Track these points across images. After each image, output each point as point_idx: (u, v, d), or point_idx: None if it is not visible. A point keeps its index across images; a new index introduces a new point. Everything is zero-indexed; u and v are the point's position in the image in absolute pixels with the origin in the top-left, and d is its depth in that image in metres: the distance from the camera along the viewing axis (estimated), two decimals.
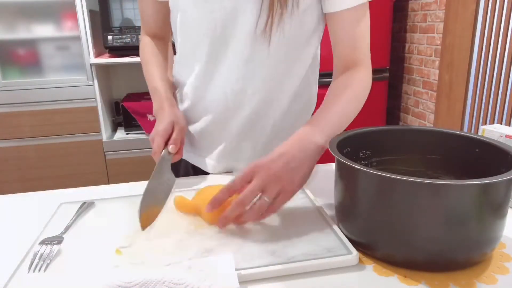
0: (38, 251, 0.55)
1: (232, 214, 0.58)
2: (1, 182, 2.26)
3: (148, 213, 0.63)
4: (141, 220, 0.61)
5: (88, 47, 2.16)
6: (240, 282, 0.48)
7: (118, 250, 0.56)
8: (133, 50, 2.25)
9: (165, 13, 0.82)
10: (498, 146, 0.57)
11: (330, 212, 0.65)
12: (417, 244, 0.50)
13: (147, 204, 0.63)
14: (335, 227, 0.59)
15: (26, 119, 2.20)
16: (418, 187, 0.47)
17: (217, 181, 0.64)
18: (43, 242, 0.58)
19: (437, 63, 2.49)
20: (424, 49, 2.61)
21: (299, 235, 0.58)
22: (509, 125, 1.77)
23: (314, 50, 0.80)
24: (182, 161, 0.88)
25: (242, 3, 0.70)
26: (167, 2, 0.79)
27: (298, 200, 0.70)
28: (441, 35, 2.43)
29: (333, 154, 0.56)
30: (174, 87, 0.89)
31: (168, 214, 0.65)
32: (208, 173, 0.88)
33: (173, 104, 0.79)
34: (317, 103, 0.86)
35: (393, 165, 0.67)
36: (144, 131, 2.36)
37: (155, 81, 0.82)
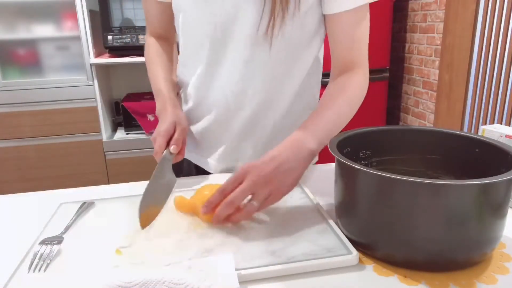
0: (38, 251, 0.55)
1: (222, 213, 0.59)
2: (1, 182, 2.26)
3: (147, 213, 0.63)
4: (140, 220, 0.61)
5: (88, 47, 2.16)
6: (240, 282, 0.48)
7: (118, 250, 0.56)
8: (133, 50, 2.25)
9: (169, 14, 0.82)
10: (498, 146, 0.57)
11: (330, 212, 0.65)
12: (417, 244, 0.50)
13: (147, 204, 0.63)
14: (335, 227, 0.59)
15: (26, 119, 2.20)
16: (418, 187, 0.47)
17: (218, 180, 0.64)
18: (43, 242, 0.58)
19: (437, 63, 2.49)
20: (424, 49, 2.61)
21: (299, 235, 0.58)
22: (509, 125, 1.77)
23: (315, 52, 0.80)
24: (185, 160, 0.89)
25: (242, 5, 0.70)
26: (171, 3, 0.79)
27: (298, 200, 0.70)
28: (441, 35, 2.43)
29: (333, 154, 0.56)
30: (178, 87, 0.89)
31: (168, 214, 0.65)
32: (210, 173, 0.88)
33: (175, 105, 0.79)
34: None
35: (393, 165, 0.67)
36: (144, 131, 2.36)
37: (158, 81, 0.83)
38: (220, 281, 0.47)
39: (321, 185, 0.77)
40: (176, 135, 0.73)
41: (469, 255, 0.50)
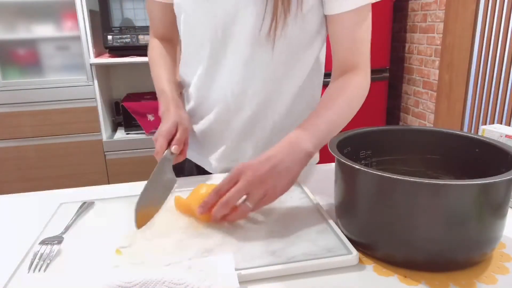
0: (38, 251, 0.55)
1: (218, 214, 0.59)
2: (1, 182, 2.26)
3: (144, 213, 0.62)
4: (136, 220, 0.61)
5: (88, 47, 2.16)
6: (240, 282, 0.48)
7: (118, 250, 0.56)
8: (133, 50, 2.25)
9: (172, 15, 0.82)
10: (498, 146, 0.57)
11: (330, 212, 0.65)
12: (417, 244, 0.50)
13: (144, 204, 0.63)
14: (335, 227, 0.59)
15: (26, 119, 2.20)
16: (418, 187, 0.47)
17: (218, 180, 0.64)
18: (43, 242, 0.58)
19: (437, 63, 2.49)
20: (424, 49, 2.61)
21: (299, 235, 0.58)
22: (509, 125, 1.77)
23: (316, 53, 0.80)
24: (186, 160, 0.89)
25: (243, 6, 0.71)
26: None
27: (298, 200, 0.70)
28: (441, 35, 2.43)
29: (333, 154, 0.56)
30: (181, 87, 0.90)
31: (168, 214, 0.65)
32: (211, 173, 0.88)
33: (178, 105, 0.79)
34: None
35: (393, 165, 0.67)
36: (144, 131, 2.36)
37: (162, 82, 0.83)
38: (220, 281, 0.47)
39: (321, 185, 0.77)
40: (177, 135, 0.73)
41: (469, 255, 0.50)
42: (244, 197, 0.59)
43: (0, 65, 2.13)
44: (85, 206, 0.69)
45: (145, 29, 2.24)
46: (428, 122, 2.65)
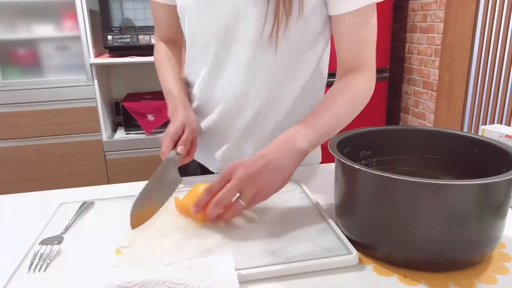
0: (38, 251, 0.55)
1: (213, 213, 0.59)
2: (1, 182, 2.26)
3: (141, 213, 0.61)
4: (131, 220, 0.60)
5: (88, 47, 2.16)
6: (240, 282, 0.48)
7: (118, 250, 0.56)
8: (133, 50, 2.24)
9: (177, 18, 0.83)
10: (498, 146, 0.57)
11: (330, 212, 0.65)
12: (417, 244, 0.50)
13: (141, 204, 0.62)
14: (335, 227, 0.59)
15: (26, 119, 2.20)
16: (418, 187, 0.47)
17: None
18: (43, 242, 0.58)
19: (437, 63, 2.49)
20: (424, 49, 2.61)
21: (299, 235, 0.58)
22: (509, 125, 1.77)
23: (319, 54, 0.80)
24: None
25: (244, 9, 0.71)
26: None
27: (298, 200, 0.70)
28: (441, 35, 2.43)
29: (333, 154, 0.56)
30: (188, 86, 0.90)
31: (168, 214, 0.65)
32: (213, 173, 0.89)
33: (186, 106, 0.79)
34: None
35: (393, 165, 0.67)
36: (144, 131, 2.36)
37: (169, 84, 0.83)
38: (220, 281, 0.47)
39: (321, 185, 0.77)
40: (184, 136, 0.73)
41: (469, 255, 0.50)
42: (238, 195, 0.59)
43: (0, 65, 2.13)
44: (85, 206, 0.69)
45: (145, 29, 2.24)
46: (428, 122, 2.65)
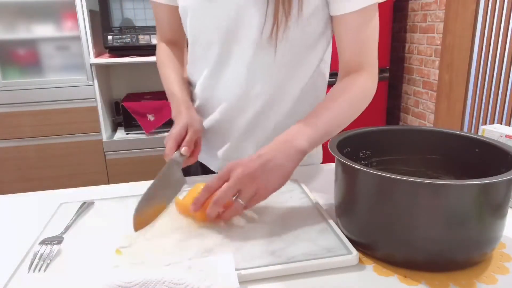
0: (38, 251, 0.55)
1: (212, 213, 0.59)
2: (1, 182, 2.26)
3: (144, 215, 0.61)
4: (134, 222, 0.60)
5: (88, 47, 2.16)
6: (240, 282, 0.48)
7: (118, 250, 0.56)
8: (133, 50, 2.25)
9: (179, 19, 0.83)
10: (498, 146, 0.57)
11: (330, 212, 0.65)
12: (417, 244, 0.50)
13: (144, 206, 0.62)
14: (335, 227, 0.59)
15: (26, 119, 2.20)
16: (418, 187, 0.47)
17: None
18: (43, 242, 0.58)
19: (437, 63, 2.49)
20: (424, 49, 2.61)
21: (299, 235, 0.58)
22: (509, 125, 1.77)
23: (321, 55, 0.80)
24: None
25: (245, 9, 0.71)
26: None
27: (298, 200, 0.70)
28: (441, 35, 2.43)
29: (333, 154, 0.56)
30: (190, 86, 0.90)
31: (168, 214, 0.65)
32: (214, 172, 0.89)
33: (189, 107, 0.79)
34: None
35: (393, 165, 0.67)
36: (144, 131, 2.36)
37: (171, 85, 0.83)
38: (220, 281, 0.47)
39: (321, 185, 0.77)
40: (187, 137, 0.72)
41: (469, 255, 0.50)
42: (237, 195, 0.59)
43: (0, 65, 2.13)
44: (85, 206, 0.69)
45: (145, 29, 2.24)
46: (428, 122, 2.65)
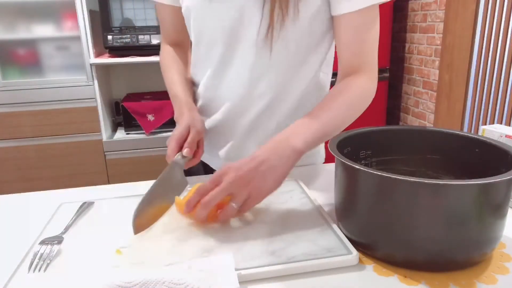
0: (38, 251, 0.55)
1: (200, 214, 0.59)
2: (1, 182, 2.26)
3: (144, 218, 0.61)
4: (134, 225, 0.59)
5: (88, 47, 2.16)
6: (240, 282, 0.48)
7: (118, 250, 0.56)
8: (133, 50, 2.25)
9: (182, 20, 0.83)
10: (498, 146, 0.57)
11: (330, 212, 0.65)
12: (417, 244, 0.50)
13: (144, 208, 0.62)
14: (335, 227, 0.59)
15: (26, 119, 2.20)
16: (418, 187, 0.47)
17: None
18: (43, 242, 0.58)
19: (437, 63, 2.49)
20: (424, 49, 2.61)
21: (299, 235, 0.58)
22: (509, 125, 1.77)
23: (323, 55, 0.80)
24: None
25: (246, 10, 0.71)
26: None
27: (298, 200, 0.70)
28: (441, 35, 2.43)
29: (333, 154, 0.56)
30: (193, 85, 0.90)
31: (168, 214, 0.65)
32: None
33: (192, 108, 0.79)
34: None
35: (393, 165, 0.67)
36: (144, 131, 2.36)
37: (175, 87, 0.83)
38: (220, 281, 0.47)
39: (321, 185, 0.77)
40: (189, 138, 0.72)
41: (469, 255, 0.50)
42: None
43: (0, 65, 2.13)
44: (85, 206, 0.69)
45: (145, 29, 2.24)
46: (428, 122, 2.65)
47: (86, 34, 2.14)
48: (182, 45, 0.93)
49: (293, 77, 0.79)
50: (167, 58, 0.90)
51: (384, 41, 2.64)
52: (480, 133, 0.73)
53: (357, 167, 0.51)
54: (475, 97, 2.40)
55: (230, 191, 0.58)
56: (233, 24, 0.73)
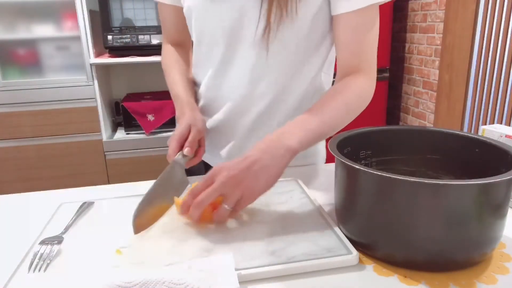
0: (38, 251, 0.55)
1: (193, 214, 0.59)
2: (1, 182, 2.26)
3: (144, 218, 0.61)
4: (134, 225, 0.59)
5: (88, 47, 2.16)
6: (240, 282, 0.48)
7: (118, 250, 0.56)
8: (133, 50, 2.25)
9: (184, 19, 0.83)
10: (498, 146, 0.57)
11: (330, 212, 0.65)
12: (417, 244, 0.50)
13: (144, 208, 0.62)
14: (335, 227, 0.59)
15: (26, 119, 2.20)
16: (418, 187, 0.47)
17: None
18: (43, 242, 0.58)
19: (437, 63, 2.49)
20: (424, 49, 2.61)
21: (299, 235, 0.58)
22: (509, 125, 1.77)
23: (325, 55, 0.80)
24: None
25: (246, 12, 0.71)
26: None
27: (298, 200, 0.70)
28: (441, 35, 2.43)
29: (333, 154, 0.56)
30: (195, 85, 0.90)
31: (168, 214, 0.65)
32: None
33: (193, 108, 0.79)
34: None
35: (393, 165, 0.67)
36: (144, 131, 2.36)
37: (176, 87, 0.83)
38: (220, 281, 0.47)
39: (321, 185, 0.77)
40: (189, 138, 0.72)
41: (469, 255, 0.50)
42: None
43: (0, 65, 2.13)
44: (85, 206, 0.69)
45: (145, 29, 2.24)
46: (428, 122, 2.65)
47: (86, 34, 2.14)
48: (184, 45, 0.93)
49: (294, 77, 0.79)
50: (168, 58, 0.90)
51: (384, 41, 2.64)
52: (480, 133, 0.73)
53: (357, 167, 0.51)
54: (475, 97, 2.40)
55: (222, 191, 0.58)
56: (233, 24, 0.73)
